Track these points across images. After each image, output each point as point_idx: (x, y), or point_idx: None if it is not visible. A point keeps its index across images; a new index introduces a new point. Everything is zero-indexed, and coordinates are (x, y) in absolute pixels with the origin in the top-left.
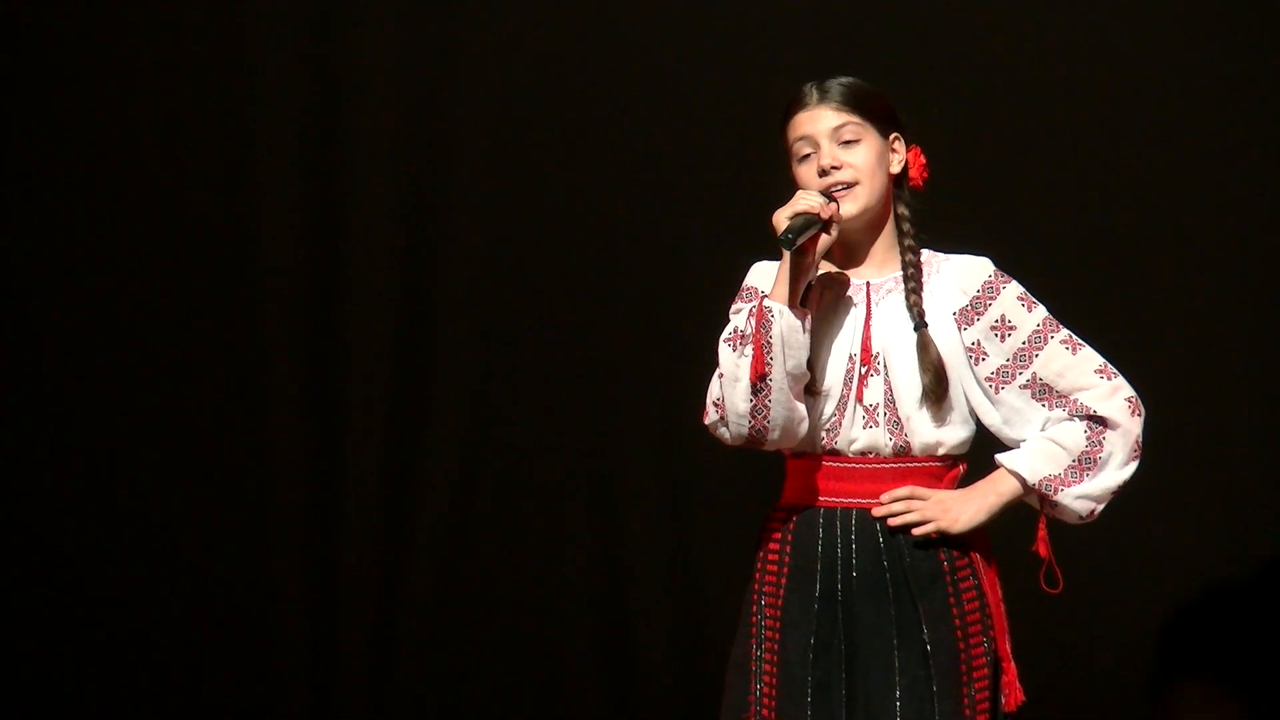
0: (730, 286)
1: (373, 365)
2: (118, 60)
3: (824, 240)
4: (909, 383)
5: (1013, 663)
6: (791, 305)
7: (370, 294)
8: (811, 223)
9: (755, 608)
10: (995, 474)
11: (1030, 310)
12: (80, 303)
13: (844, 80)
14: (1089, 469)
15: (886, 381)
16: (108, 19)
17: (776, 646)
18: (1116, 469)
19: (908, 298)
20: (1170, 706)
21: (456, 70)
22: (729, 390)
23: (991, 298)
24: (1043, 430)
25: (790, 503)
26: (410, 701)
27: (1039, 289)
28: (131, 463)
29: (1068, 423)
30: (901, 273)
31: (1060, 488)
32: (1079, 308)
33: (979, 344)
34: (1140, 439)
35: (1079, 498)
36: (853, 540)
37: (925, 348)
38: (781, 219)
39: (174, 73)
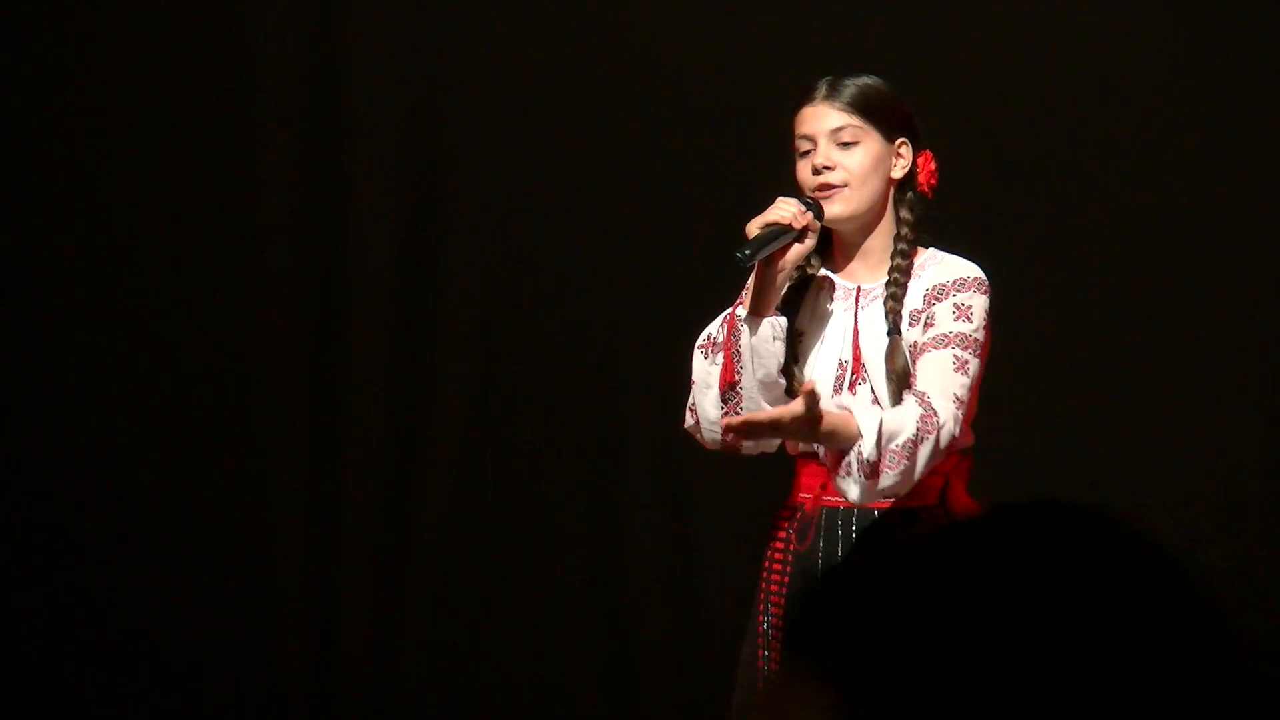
0: (731, 285)
1: (372, 365)
2: (117, 59)
3: (797, 249)
4: (887, 390)
5: None
6: (764, 314)
7: (370, 294)
8: (780, 234)
9: (761, 607)
10: (845, 417)
11: (956, 320)
12: (79, 302)
13: (858, 80)
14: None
15: (873, 390)
16: (107, 18)
17: (780, 645)
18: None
19: (886, 302)
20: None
21: (457, 68)
22: (700, 397)
23: (940, 297)
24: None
25: (795, 501)
26: (410, 701)
27: (1037, 292)
28: (130, 461)
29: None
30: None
31: (859, 473)
32: (1078, 310)
33: (922, 314)
34: (925, 456)
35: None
36: (853, 538)
37: (892, 356)
38: (752, 229)
39: (174, 71)
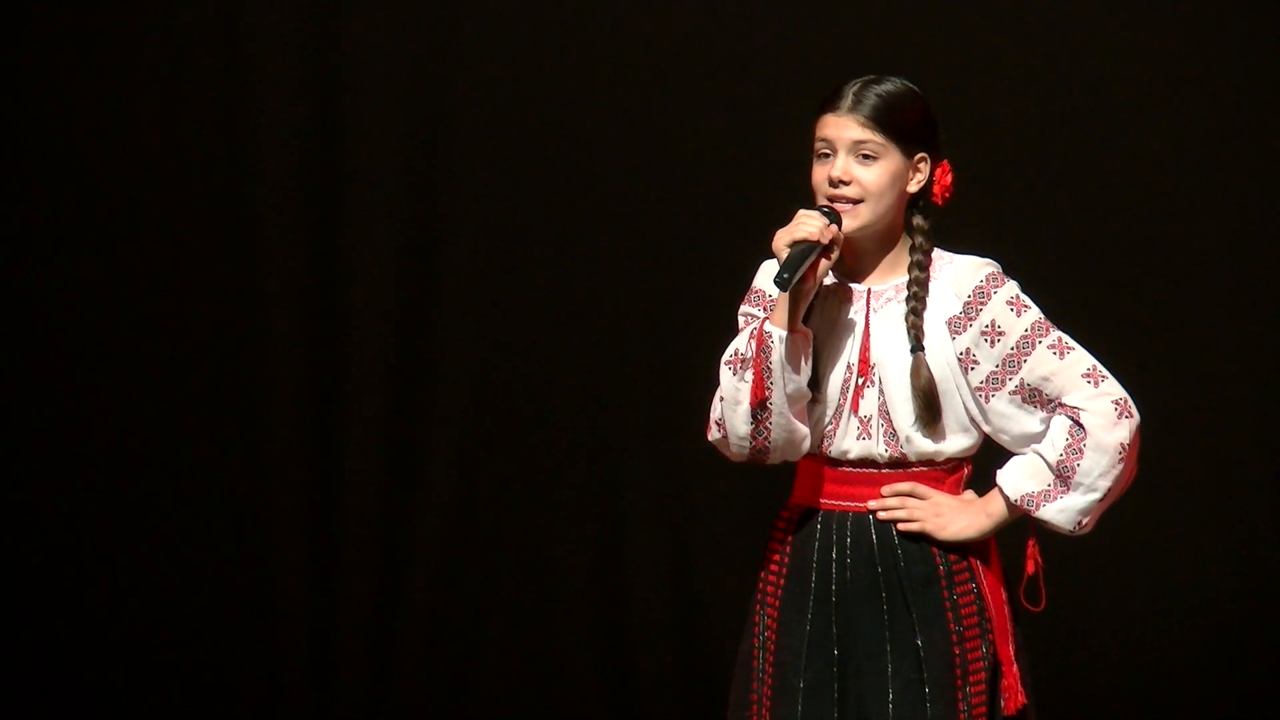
0: (733, 286)
1: (373, 363)
2: (117, 58)
3: (824, 264)
4: (903, 397)
5: (1015, 666)
6: (792, 329)
7: (371, 292)
8: (811, 249)
9: (758, 607)
10: (990, 493)
11: (1020, 315)
12: (79, 301)
13: (883, 90)
14: (1068, 479)
15: (882, 394)
16: (107, 18)
17: (774, 647)
18: (1100, 478)
19: (907, 317)
20: None
21: (457, 64)
22: (729, 413)
23: (982, 303)
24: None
25: (796, 503)
26: (410, 701)
27: (1042, 292)
28: (131, 460)
29: (1055, 429)
30: (903, 281)
31: (1042, 503)
32: (1080, 310)
33: (969, 351)
34: (1126, 442)
35: (1061, 511)
36: (847, 543)
37: (918, 372)
38: (780, 246)
39: (173, 70)
